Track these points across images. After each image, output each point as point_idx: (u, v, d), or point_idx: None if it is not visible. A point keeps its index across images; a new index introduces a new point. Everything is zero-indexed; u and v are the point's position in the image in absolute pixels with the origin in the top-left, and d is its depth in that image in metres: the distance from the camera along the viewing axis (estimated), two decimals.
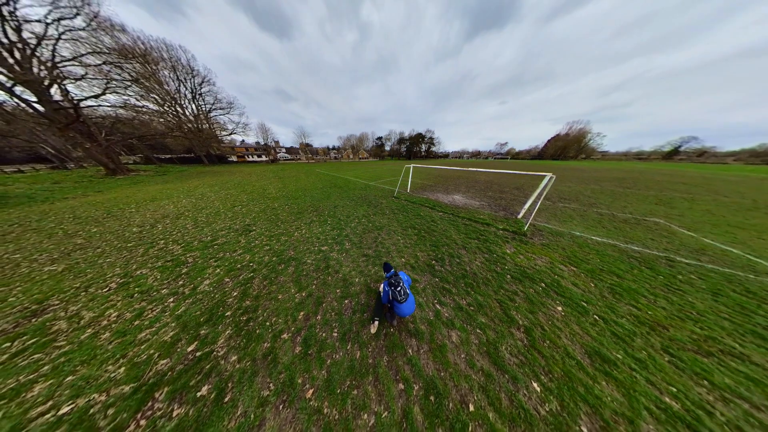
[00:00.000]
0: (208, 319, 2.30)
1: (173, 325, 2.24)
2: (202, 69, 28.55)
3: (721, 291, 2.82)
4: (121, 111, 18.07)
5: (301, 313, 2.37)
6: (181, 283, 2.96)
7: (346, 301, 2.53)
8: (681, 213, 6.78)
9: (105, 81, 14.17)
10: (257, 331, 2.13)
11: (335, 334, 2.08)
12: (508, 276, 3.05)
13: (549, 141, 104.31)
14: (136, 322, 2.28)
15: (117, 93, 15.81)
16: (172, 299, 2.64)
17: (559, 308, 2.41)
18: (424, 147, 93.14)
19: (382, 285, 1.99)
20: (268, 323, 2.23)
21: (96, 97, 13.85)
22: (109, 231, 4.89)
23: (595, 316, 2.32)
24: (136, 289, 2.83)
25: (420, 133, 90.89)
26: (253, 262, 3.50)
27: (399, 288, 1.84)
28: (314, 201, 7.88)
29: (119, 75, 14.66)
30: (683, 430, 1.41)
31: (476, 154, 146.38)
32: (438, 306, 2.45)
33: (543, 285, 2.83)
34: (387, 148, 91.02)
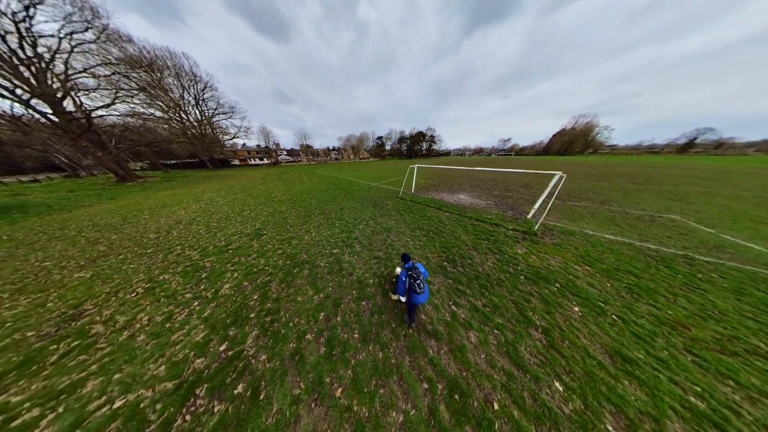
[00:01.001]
0: (234, 321, 2.43)
1: (202, 326, 2.38)
2: (204, 75, 29.36)
3: (744, 290, 2.79)
4: (129, 119, 18.78)
5: (321, 314, 2.48)
6: (203, 287, 3.12)
7: (363, 303, 2.63)
8: (698, 209, 6.63)
9: (114, 91, 14.79)
10: (282, 332, 2.25)
11: (356, 336, 2.17)
12: (522, 277, 3.09)
13: (554, 136, 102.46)
14: (167, 325, 2.44)
15: (125, 102, 16.47)
16: (197, 303, 2.79)
17: (576, 309, 2.44)
18: (425, 145, 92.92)
19: (399, 272, 2.07)
20: (291, 324, 2.35)
21: (107, 106, 14.48)
22: (127, 237, 5.14)
23: (613, 317, 2.34)
24: (162, 293, 3.00)
25: (421, 132, 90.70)
26: (268, 266, 3.64)
27: (418, 281, 1.93)
28: (320, 203, 8.04)
29: (127, 84, 15.28)
30: (710, 428, 1.45)
31: (478, 152, 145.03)
32: (454, 307, 2.52)
33: (558, 285, 2.87)
34: (387, 147, 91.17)
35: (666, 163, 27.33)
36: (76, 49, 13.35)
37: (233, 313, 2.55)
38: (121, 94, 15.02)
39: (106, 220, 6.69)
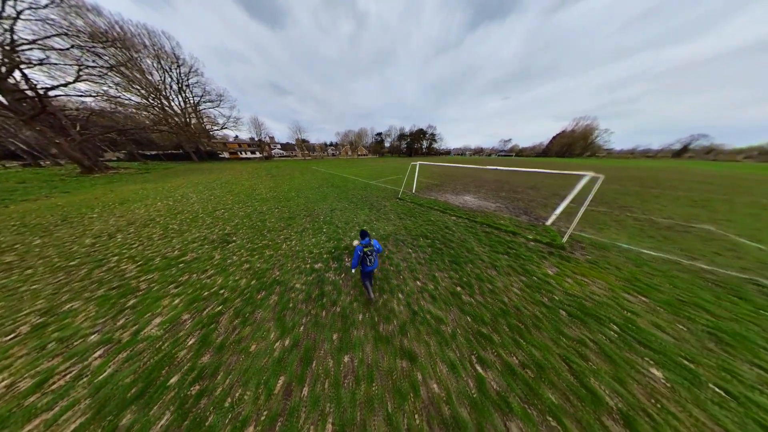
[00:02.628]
0: (140, 393, 1.58)
1: (85, 404, 1.52)
2: (188, 58, 27.34)
3: None
4: (100, 102, 17.03)
5: (281, 379, 1.66)
6: (121, 322, 2.24)
7: (346, 358, 1.82)
8: (727, 217, 6.12)
9: (77, 68, 13.14)
10: (209, 419, 1.42)
11: (329, 429, 1.36)
12: (563, 312, 2.35)
13: (554, 137, 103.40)
14: (29, 399, 1.56)
15: (92, 82, 14.78)
16: (99, 352, 1.91)
17: (657, 373, 1.71)
18: (425, 144, 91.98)
19: (356, 245, 2.24)
20: (228, 401, 1.52)
21: (65, 85, 12.81)
22: (54, 243, 4.12)
23: (713, 387, 1.62)
24: (55, 334, 2.10)
25: (421, 129, 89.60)
26: (225, 287, 2.78)
27: (370, 256, 2.22)
28: (308, 203, 7.14)
29: (94, 62, 13.62)
30: None
31: (479, 151, 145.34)
32: (479, 367, 1.75)
33: (615, 328, 2.14)
34: (387, 144, 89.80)
35: (666, 167, 27.53)
36: (24, 16, 11.65)
37: (146, 376, 1.70)
38: (85, 73, 13.38)
39: (42, 219, 5.59)
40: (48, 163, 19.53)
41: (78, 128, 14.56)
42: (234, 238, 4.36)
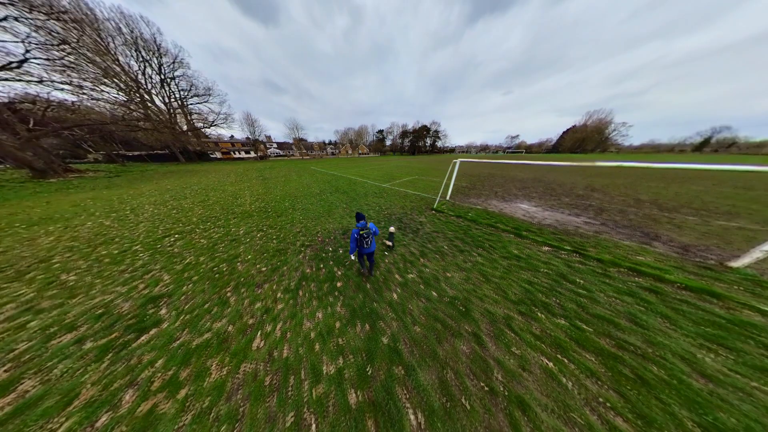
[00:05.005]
0: None
1: None
2: (171, 47, 25.30)
3: None
4: (57, 93, 14.93)
5: None
6: None
7: None
8: None
9: (24, 48, 11.03)
10: None
11: None
12: None
13: (566, 132, 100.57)
14: None
15: (54, 68, 12.65)
16: None
17: None
18: (429, 141, 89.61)
19: (352, 231, 2.36)
20: None
21: (5, 68, 10.63)
22: None
23: None
24: None
25: (425, 126, 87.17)
26: None
27: (367, 239, 2.35)
28: (308, 220, 5.01)
29: (44, 38, 11.42)
30: None
31: (484, 148, 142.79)
32: None
33: None
34: (388, 142, 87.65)
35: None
36: None
37: None
38: (33, 55, 11.27)
39: None
40: (7, 166, 17.53)
41: (31, 124, 12.51)
42: (162, 312, 2.23)
